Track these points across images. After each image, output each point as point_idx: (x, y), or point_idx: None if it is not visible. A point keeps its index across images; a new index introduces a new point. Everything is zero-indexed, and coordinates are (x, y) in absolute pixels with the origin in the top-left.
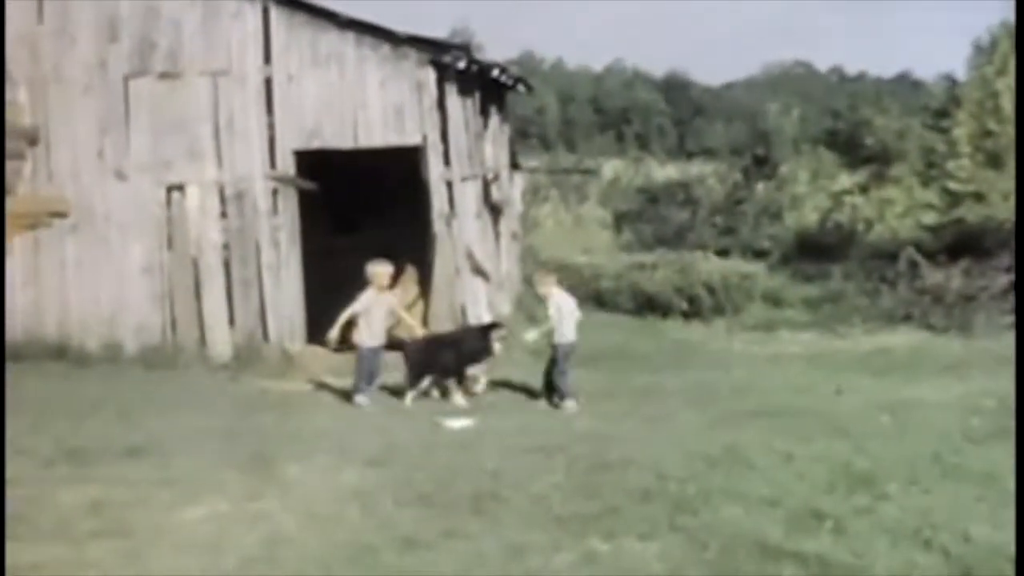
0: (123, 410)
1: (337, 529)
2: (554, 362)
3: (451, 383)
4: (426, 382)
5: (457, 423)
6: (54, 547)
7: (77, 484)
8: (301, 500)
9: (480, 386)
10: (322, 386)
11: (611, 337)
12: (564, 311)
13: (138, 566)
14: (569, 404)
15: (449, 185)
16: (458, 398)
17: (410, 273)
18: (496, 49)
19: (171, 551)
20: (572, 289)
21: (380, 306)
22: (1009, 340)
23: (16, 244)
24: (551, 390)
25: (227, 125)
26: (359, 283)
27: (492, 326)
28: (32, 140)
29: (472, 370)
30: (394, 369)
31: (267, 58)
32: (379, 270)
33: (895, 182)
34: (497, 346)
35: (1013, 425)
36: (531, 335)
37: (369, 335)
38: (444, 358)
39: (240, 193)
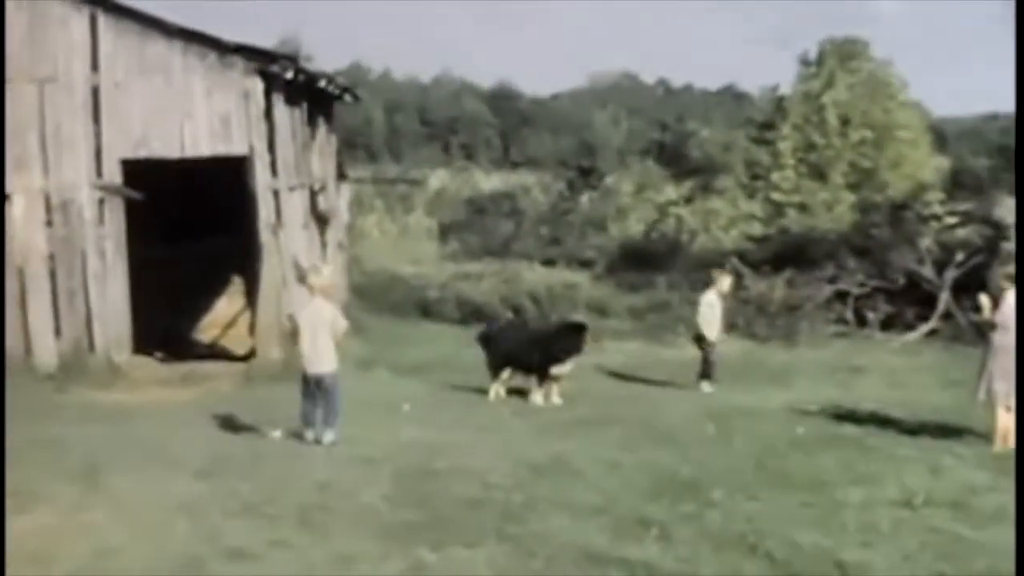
0: None
1: (165, 540)
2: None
3: (532, 381)
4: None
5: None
6: None
7: None
8: (130, 511)
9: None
10: (149, 396)
11: (437, 347)
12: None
13: None
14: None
15: (276, 195)
16: (537, 398)
17: (236, 283)
18: (324, 59)
19: None
20: (398, 299)
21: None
22: (833, 349)
23: None
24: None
25: (54, 133)
26: (188, 292)
27: (582, 326)
28: None
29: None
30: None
31: (95, 66)
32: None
33: (720, 193)
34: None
35: (839, 432)
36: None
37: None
38: (530, 352)
39: (66, 202)
